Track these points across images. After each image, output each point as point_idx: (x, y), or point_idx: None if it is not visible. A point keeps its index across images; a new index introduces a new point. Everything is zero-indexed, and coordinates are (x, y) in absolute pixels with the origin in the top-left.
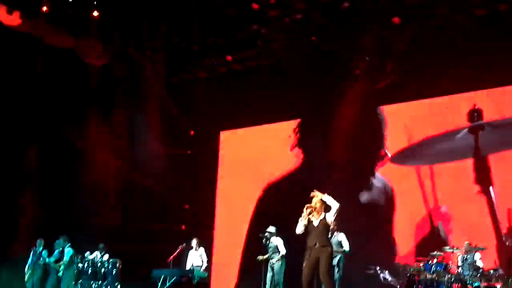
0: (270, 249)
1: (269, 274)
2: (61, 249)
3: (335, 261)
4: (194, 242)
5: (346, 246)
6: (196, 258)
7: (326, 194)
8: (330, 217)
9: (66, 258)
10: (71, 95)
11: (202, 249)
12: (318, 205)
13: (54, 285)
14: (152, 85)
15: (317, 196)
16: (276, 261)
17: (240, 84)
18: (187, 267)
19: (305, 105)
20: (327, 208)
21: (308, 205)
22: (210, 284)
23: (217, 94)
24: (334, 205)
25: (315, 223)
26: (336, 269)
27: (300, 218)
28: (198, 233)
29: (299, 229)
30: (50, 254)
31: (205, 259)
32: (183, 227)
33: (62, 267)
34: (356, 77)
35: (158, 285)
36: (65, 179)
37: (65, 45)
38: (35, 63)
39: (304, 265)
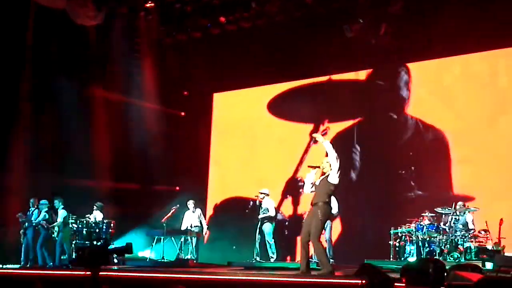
0: (262, 210)
1: (259, 235)
2: (46, 209)
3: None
4: (191, 204)
5: (335, 209)
6: (193, 219)
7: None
8: (334, 175)
9: (60, 219)
10: (66, 55)
11: (199, 211)
12: (326, 165)
13: (43, 243)
14: (146, 45)
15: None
16: (266, 221)
17: (233, 45)
18: (183, 228)
19: (298, 67)
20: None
21: (313, 165)
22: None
23: (210, 55)
24: (331, 155)
25: (317, 181)
26: (328, 230)
27: (307, 178)
28: (191, 194)
29: (307, 189)
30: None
31: (204, 220)
32: (177, 188)
33: (56, 228)
34: (350, 39)
35: (152, 245)
36: (57, 138)
37: (57, 6)
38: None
39: (303, 221)
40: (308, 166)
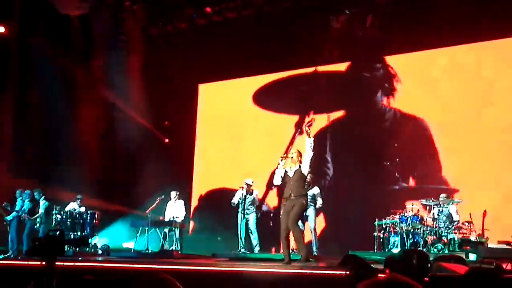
0: (247, 201)
1: (243, 224)
2: (29, 199)
3: (309, 213)
4: (173, 194)
5: (319, 201)
6: (175, 209)
7: (312, 138)
8: (305, 167)
9: (41, 210)
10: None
11: (181, 202)
12: (294, 155)
13: (30, 233)
14: (131, 36)
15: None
16: (251, 212)
17: (219, 36)
18: (166, 218)
19: (284, 58)
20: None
21: (283, 155)
22: (190, 233)
23: (196, 46)
24: (308, 152)
25: (290, 173)
26: (313, 221)
27: (277, 170)
28: (177, 186)
29: (277, 180)
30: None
31: (183, 211)
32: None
33: (38, 219)
34: (337, 30)
35: (136, 236)
36: (41, 126)
37: None
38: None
39: (281, 216)
40: (281, 157)
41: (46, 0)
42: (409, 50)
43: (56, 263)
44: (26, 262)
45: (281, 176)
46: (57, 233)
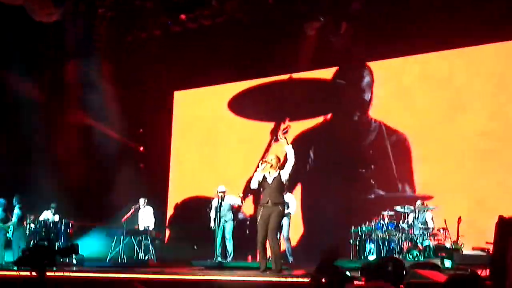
0: (222, 208)
1: (220, 232)
2: (2, 208)
3: (283, 221)
4: (141, 201)
5: (292, 208)
6: (145, 217)
7: (290, 145)
8: (285, 174)
9: (15, 219)
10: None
11: (150, 209)
12: (273, 161)
13: (1, 244)
14: (105, 43)
15: (282, 139)
16: (227, 220)
17: (194, 43)
18: (140, 227)
19: (259, 65)
20: (281, 166)
21: (264, 159)
22: (165, 242)
23: (171, 53)
24: (290, 160)
25: (269, 179)
26: (286, 229)
27: (255, 173)
28: (152, 193)
29: (254, 184)
30: None
31: (152, 218)
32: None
33: (11, 228)
34: (311, 38)
35: (111, 246)
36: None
37: (15, 3)
38: None
39: (257, 223)
40: (263, 161)
41: (19, 7)
42: (382, 57)
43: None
44: (15, 273)
45: (259, 180)
46: (45, 243)
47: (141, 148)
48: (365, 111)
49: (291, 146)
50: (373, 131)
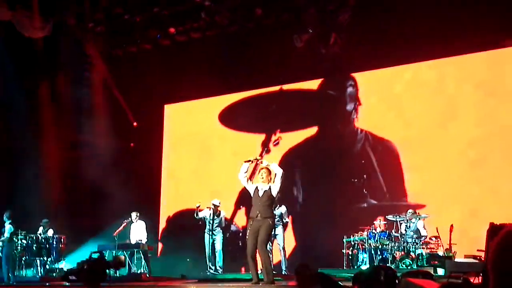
0: (214, 221)
1: (211, 245)
2: None
3: (278, 231)
4: (133, 216)
5: (286, 219)
6: (137, 231)
7: (273, 163)
8: (276, 188)
9: (6, 235)
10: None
11: (142, 223)
12: (264, 175)
13: None
14: (95, 57)
15: (261, 164)
16: (218, 233)
17: (184, 56)
18: (132, 241)
19: (249, 78)
20: (272, 180)
21: (250, 159)
22: (158, 255)
23: (161, 66)
24: (278, 175)
25: (260, 192)
26: (281, 239)
27: (242, 166)
28: (145, 207)
29: (242, 176)
30: None
31: (144, 232)
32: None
33: (0, 243)
34: (300, 49)
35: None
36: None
37: (3, 18)
38: None
39: (247, 236)
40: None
41: (8, 22)
42: (372, 67)
43: None
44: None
45: (246, 176)
46: (97, 255)
47: (133, 162)
48: (354, 120)
49: (273, 163)
50: (363, 140)
